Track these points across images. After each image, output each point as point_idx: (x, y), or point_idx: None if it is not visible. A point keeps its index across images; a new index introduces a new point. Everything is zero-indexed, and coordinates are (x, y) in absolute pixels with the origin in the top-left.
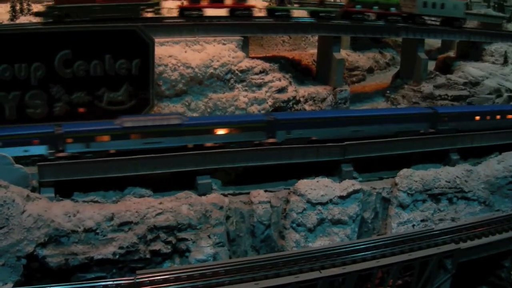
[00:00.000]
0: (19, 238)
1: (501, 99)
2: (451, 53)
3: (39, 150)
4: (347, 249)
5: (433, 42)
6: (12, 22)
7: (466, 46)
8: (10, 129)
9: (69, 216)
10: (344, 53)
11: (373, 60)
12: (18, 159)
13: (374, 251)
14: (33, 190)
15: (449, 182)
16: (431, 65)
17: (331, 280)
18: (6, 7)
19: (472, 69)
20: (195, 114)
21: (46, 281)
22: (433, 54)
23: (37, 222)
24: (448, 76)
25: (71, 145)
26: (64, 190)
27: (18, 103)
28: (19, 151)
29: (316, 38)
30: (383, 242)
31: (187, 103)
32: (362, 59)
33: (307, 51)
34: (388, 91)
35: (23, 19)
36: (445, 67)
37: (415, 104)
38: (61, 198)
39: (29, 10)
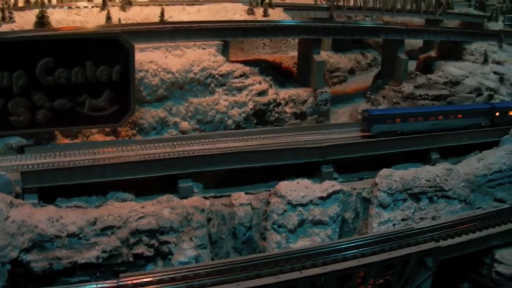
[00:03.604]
0: (3, 244)
1: (481, 98)
2: (433, 53)
3: (480, 121)
4: (327, 249)
5: (415, 42)
6: None
7: (447, 46)
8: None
9: (53, 222)
10: (325, 55)
11: (354, 61)
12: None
13: (355, 250)
14: (17, 196)
15: (429, 181)
16: (413, 65)
17: (312, 280)
18: None
19: (452, 68)
20: (176, 119)
21: (30, 286)
22: (415, 54)
23: (21, 228)
24: (429, 76)
25: (498, 117)
26: (48, 196)
27: (1, 111)
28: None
29: (297, 40)
30: (364, 242)
31: (168, 108)
32: (343, 60)
33: (287, 53)
34: (368, 92)
35: (4, 27)
36: (426, 67)
37: (395, 104)
38: (44, 204)
39: (10, 18)
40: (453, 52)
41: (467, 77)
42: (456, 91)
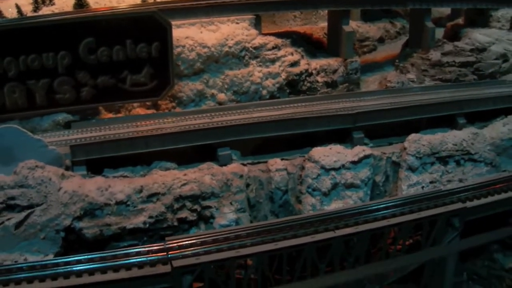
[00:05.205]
0: (57, 213)
1: (507, 64)
2: (460, 20)
3: None
4: (359, 210)
5: (443, 10)
6: (35, 14)
7: (473, 13)
8: None
9: (102, 191)
10: (355, 25)
11: (383, 30)
12: None
13: (385, 211)
14: (67, 169)
15: (456, 145)
16: (441, 33)
17: (345, 239)
18: None
19: (478, 35)
20: (213, 91)
21: (83, 251)
22: (443, 21)
23: (72, 198)
24: (455, 43)
25: None
26: (95, 167)
27: (48, 90)
28: None
29: (326, 12)
30: (393, 203)
31: (205, 81)
32: (372, 29)
33: (318, 25)
34: (397, 60)
35: (45, 10)
36: (454, 34)
37: (424, 71)
38: (92, 175)
39: (50, 0)
40: (480, 19)
41: (494, 44)
42: (483, 57)
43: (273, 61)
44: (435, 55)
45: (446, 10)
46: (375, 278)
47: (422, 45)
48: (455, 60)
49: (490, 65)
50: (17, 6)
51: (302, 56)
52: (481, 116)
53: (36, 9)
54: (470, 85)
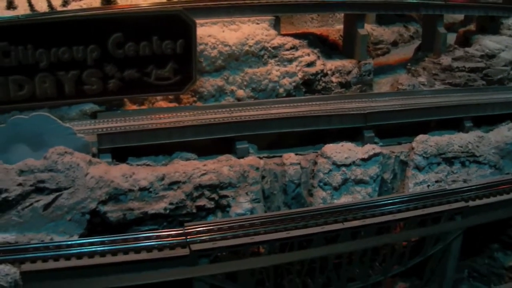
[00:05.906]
0: (83, 196)
1: None
2: (472, 27)
3: None
4: (367, 204)
5: (457, 16)
6: (64, 8)
7: (485, 20)
8: None
9: (126, 177)
10: (369, 28)
11: (397, 34)
12: None
13: (391, 206)
14: (94, 156)
15: (461, 147)
16: (453, 38)
17: (353, 232)
18: None
19: (489, 42)
20: (232, 87)
21: (106, 234)
22: (456, 27)
23: (98, 183)
24: (466, 49)
25: None
26: (120, 156)
27: (76, 81)
28: None
29: (343, 15)
30: (400, 199)
31: (225, 77)
32: (386, 33)
33: (334, 27)
34: (409, 64)
35: (74, 5)
36: (465, 40)
37: (434, 75)
38: (117, 163)
39: None
40: (491, 27)
41: (503, 51)
42: (492, 64)
43: (290, 60)
44: (446, 60)
45: (459, 16)
46: (379, 270)
47: (434, 50)
48: (465, 65)
49: (498, 71)
50: (48, 0)
51: (318, 57)
52: (487, 120)
53: (65, 3)
54: (478, 90)
